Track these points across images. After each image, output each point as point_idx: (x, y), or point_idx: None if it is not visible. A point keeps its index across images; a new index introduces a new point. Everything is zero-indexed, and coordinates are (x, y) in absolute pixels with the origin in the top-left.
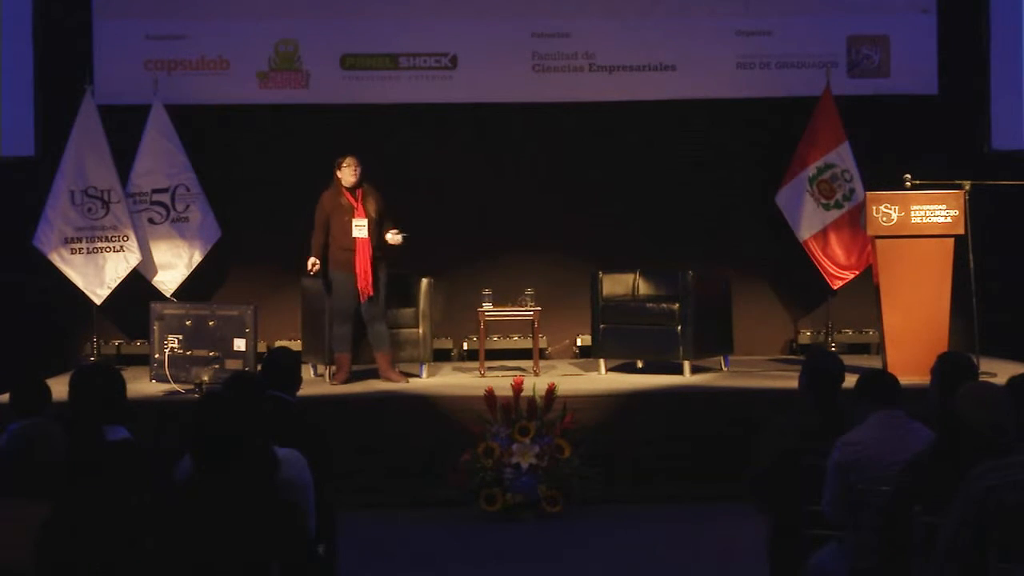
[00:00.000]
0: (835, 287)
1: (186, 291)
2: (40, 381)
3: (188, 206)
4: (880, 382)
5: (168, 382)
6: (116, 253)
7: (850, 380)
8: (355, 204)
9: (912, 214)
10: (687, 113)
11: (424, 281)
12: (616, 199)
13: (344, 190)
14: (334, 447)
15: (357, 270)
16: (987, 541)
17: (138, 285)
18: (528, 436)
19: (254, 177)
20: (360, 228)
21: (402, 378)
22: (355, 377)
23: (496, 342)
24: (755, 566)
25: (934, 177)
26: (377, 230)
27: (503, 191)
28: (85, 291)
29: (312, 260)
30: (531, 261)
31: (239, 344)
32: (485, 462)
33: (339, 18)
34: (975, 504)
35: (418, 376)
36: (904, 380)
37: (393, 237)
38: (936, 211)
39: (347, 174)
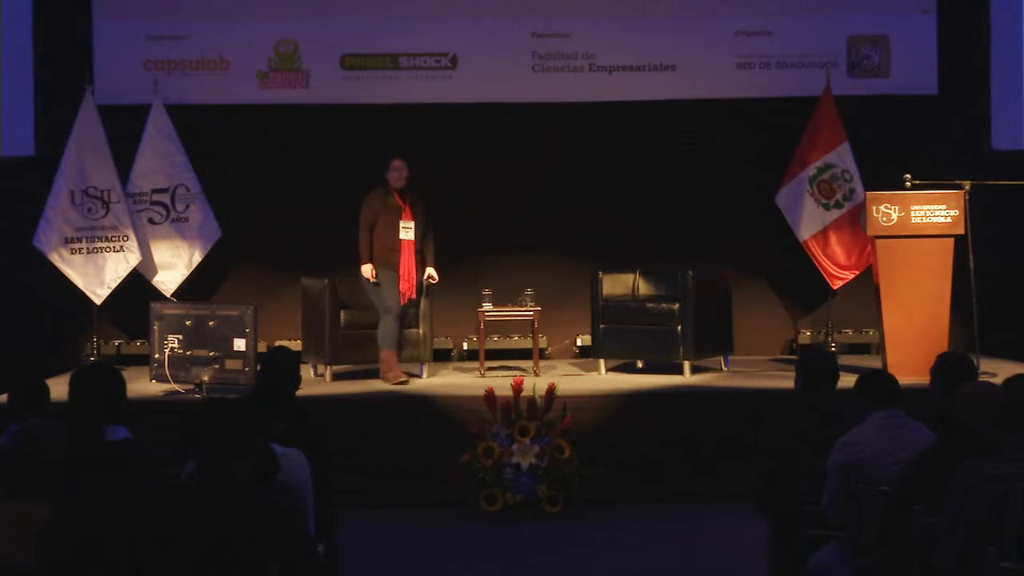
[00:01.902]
0: (835, 287)
1: (186, 291)
2: (40, 381)
3: (188, 206)
4: (880, 382)
5: (168, 382)
6: (116, 253)
7: (850, 380)
8: (403, 206)
9: (912, 214)
10: (687, 113)
11: (424, 281)
12: (616, 199)
13: (393, 191)
14: (334, 447)
15: (402, 272)
16: (982, 536)
17: (138, 285)
18: (528, 436)
19: (254, 177)
20: (407, 230)
21: (403, 376)
22: (355, 377)
23: (496, 342)
24: (755, 566)
25: (934, 177)
26: (421, 233)
27: (503, 191)
28: (85, 291)
29: (370, 267)
30: (531, 261)
31: (239, 344)
32: (485, 462)
33: (339, 18)
34: (966, 500)
35: (418, 376)
36: (904, 380)
37: (430, 277)
38: (936, 211)
39: (394, 177)
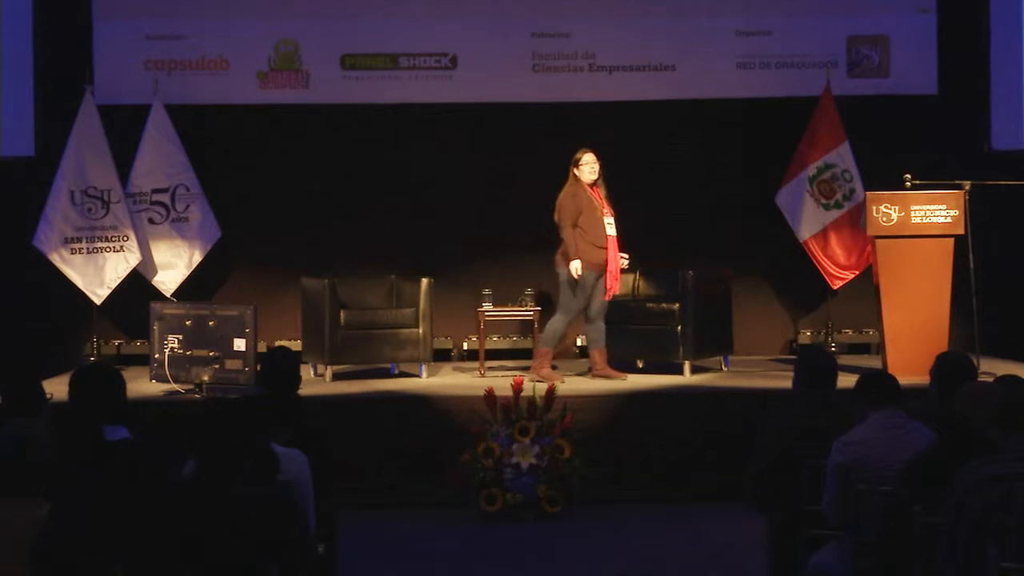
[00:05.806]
0: (835, 287)
1: (186, 291)
2: (33, 381)
3: (188, 206)
4: (880, 382)
5: (168, 382)
6: (116, 253)
7: (850, 380)
8: (600, 200)
9: (912, 214)
10: (687, 113)
11: (424, 281)
12: (616, 199)
13: (586, 186)
14: (334, 447)
15: (609, 269)
16: (982, 536)
17: (138, 285)
18: (528, 436)
19: (254, 177)
20: (611, 226)
21: (619, 375)
22: (355, 377)
23: (496, 342)
24: (755, 566)
25: (934, 177)
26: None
27: (503, 191)
28: (85, 291)
29: (579, 264)
30: (531, 261)
31: (239, 344)
32: (485, 462)
33: (339, 18)
34: (966, 500)
35: (418, 376)
36: (904, 380)
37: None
38: (936, 211)
39: (586, 172)
